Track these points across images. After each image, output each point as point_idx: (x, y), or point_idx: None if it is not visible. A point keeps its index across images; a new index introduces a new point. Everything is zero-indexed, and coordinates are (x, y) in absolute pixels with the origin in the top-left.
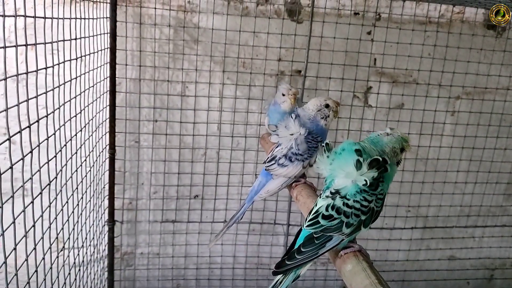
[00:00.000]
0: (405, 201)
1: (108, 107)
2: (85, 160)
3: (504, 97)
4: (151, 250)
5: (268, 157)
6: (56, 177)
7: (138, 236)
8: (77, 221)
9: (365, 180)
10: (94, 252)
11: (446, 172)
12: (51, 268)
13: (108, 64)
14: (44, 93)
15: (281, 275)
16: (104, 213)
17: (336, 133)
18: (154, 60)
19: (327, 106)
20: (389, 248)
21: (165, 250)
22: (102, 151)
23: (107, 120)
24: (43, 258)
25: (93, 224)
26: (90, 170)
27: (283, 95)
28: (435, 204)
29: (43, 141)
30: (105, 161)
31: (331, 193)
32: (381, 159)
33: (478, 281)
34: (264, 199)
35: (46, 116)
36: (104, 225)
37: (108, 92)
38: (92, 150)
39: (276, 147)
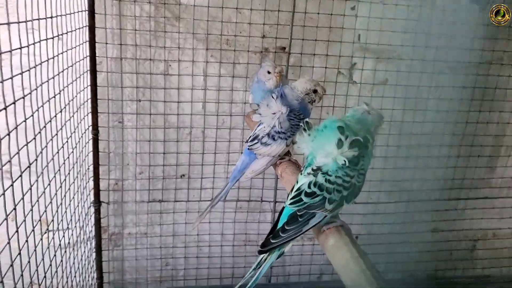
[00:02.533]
0: (390, 176)
1: (89, 87)
2: (67, 141)
3: (487, 71)
4: (138, 230)
5: (250, 136)
6: (36, 160)
7: (125, 217)
8: (61, 203)
9: (345, 161)
10: (80, 233)
11: (430, 146)
12: (35, 250)
13: (88, 42)
14: (20, 73)
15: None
16: (89, 194)
17: (321, 110)
18: (135, 38)
19: (315, 91)
20: (374, 222)
21: (152, 229)
22: (84, 132)
23: (89, 101)
24: (26, 241)
25: (78, 205)
26: (72, 152)
27: (269, 72)
28: (418, 178)
29: (21, 123)
30: (88, 142)
31: (312, 170)
32: (362, 139)
33: (460, 252)
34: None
35: (23, 98)
36: (90, 207)
37: (88, 71)
38: (74, 131)
39: (258, 126)
